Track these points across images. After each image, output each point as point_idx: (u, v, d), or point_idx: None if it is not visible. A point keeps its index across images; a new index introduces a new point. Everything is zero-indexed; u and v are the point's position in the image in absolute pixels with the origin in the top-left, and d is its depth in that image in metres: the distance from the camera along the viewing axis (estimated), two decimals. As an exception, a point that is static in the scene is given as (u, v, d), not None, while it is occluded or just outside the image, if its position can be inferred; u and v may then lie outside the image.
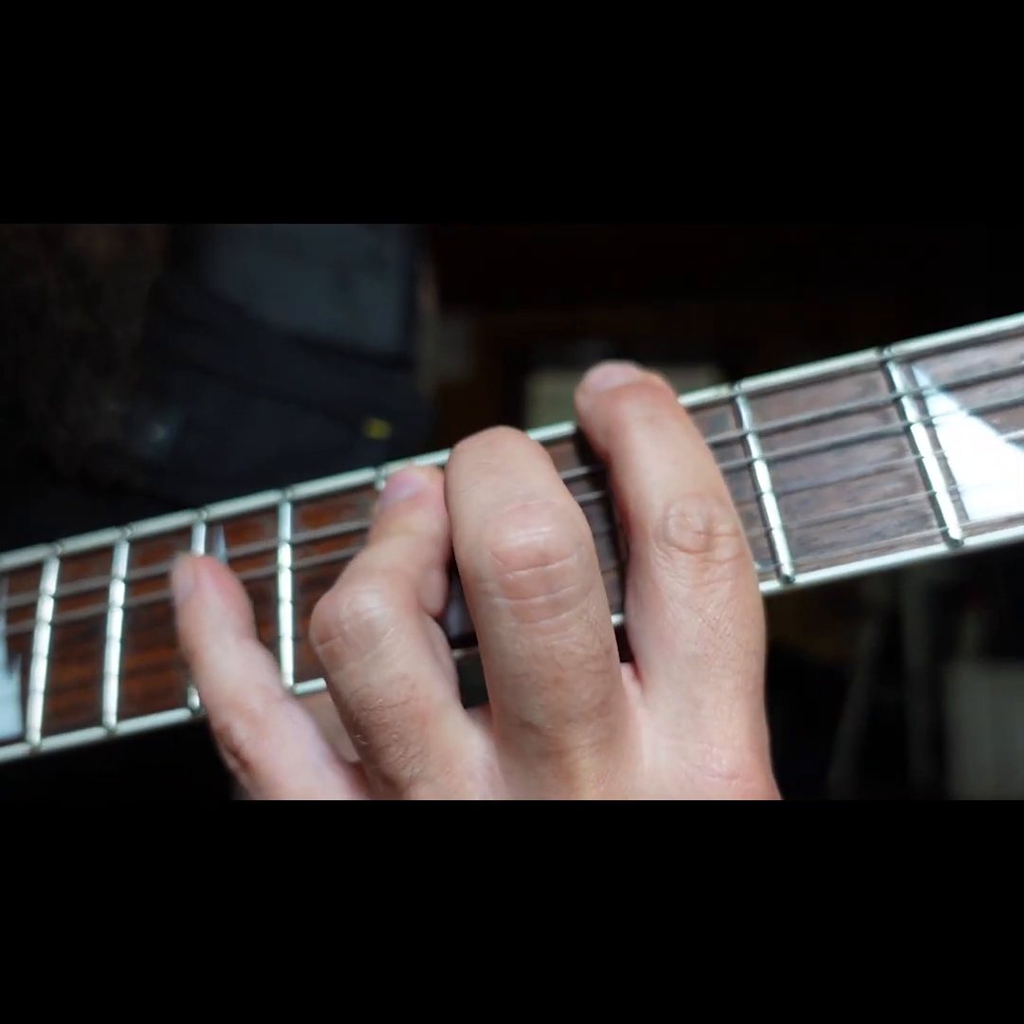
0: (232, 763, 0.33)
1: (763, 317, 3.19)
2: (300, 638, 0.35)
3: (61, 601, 0.39)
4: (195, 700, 0.35)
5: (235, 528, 0.38)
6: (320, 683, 0.34)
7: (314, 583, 0.36)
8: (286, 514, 0.37)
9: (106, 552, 0.39)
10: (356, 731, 0.29)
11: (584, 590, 0.27)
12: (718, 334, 3.28)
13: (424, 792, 0.29)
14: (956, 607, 2.70)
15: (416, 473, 0.34)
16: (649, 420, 0.31)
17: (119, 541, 0.39)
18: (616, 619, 0.31)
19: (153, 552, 0.39)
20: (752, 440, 0.33)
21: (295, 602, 0.36)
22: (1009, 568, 2.48)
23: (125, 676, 0.37)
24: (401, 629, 0.29)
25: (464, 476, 0.30)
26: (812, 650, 3.01)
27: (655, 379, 0.33)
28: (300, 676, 0.35)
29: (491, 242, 2.67)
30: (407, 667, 0.29)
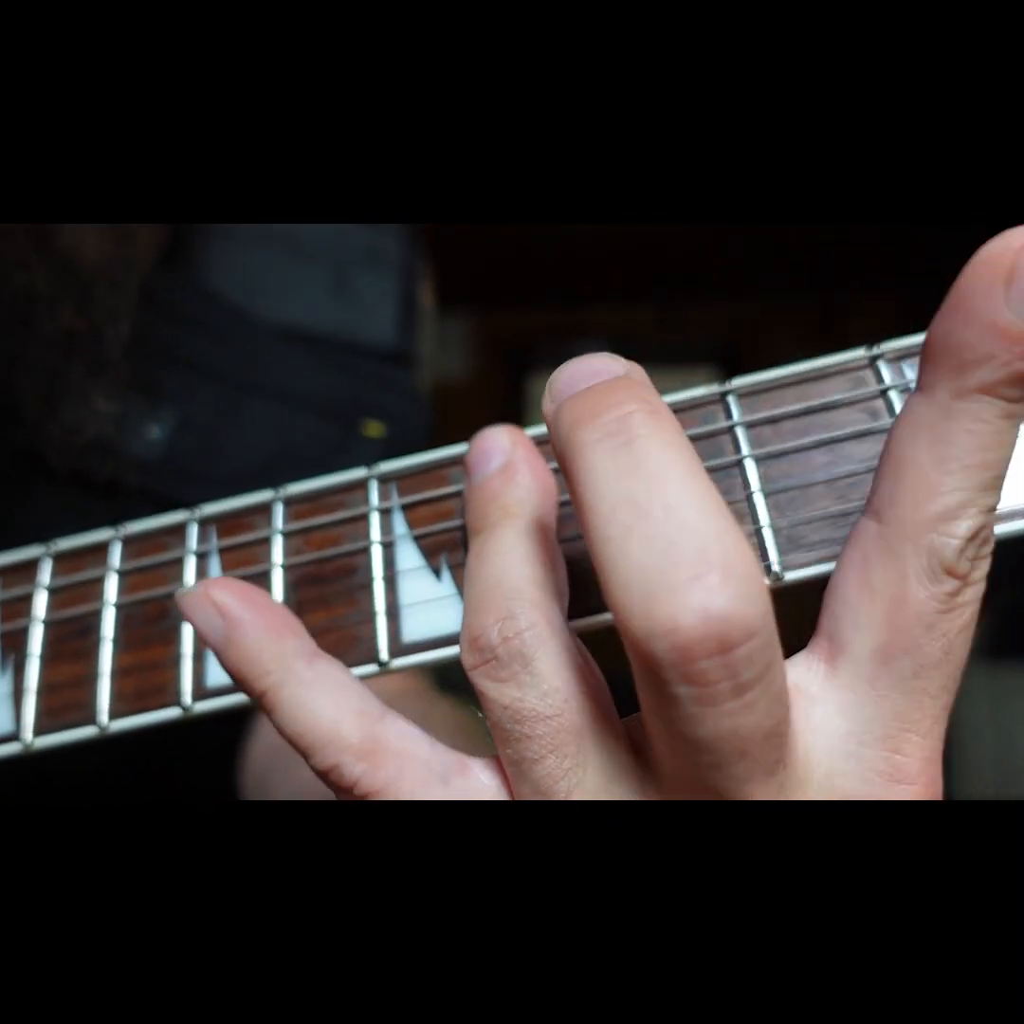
0: (350, 798, 0.30)
1: (763, 317, 3.19)
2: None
3: (55, 599, 0.39)
4: (187, 698, 0.35)
5: (228, 526, 0.38)
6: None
7: (306, 580, 0.36)
8: (278, 512, 0.37)
9: (100, 550, 0.39)
10: (508, 745, 0.28)
11: (768, 665, 0.24)
12: (718, 334, 3.28)
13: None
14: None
15: (499, 438, 0.32)
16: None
17: (112, 540, 0.39)
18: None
19: (146, 550, 0.39)
20: (741, 436, 0.33)
21: (287, 600, 0.36)
22: (1009, 569, 2.47)
23: (118, 674, 0.37)
24: (549, 647, 0.28)
25: (607, 517, 0.24)
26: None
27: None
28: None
29: (491, 242, 2.67)
30: (560, 681, 0.28)
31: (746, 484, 0.32)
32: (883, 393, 0.32)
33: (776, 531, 0.31)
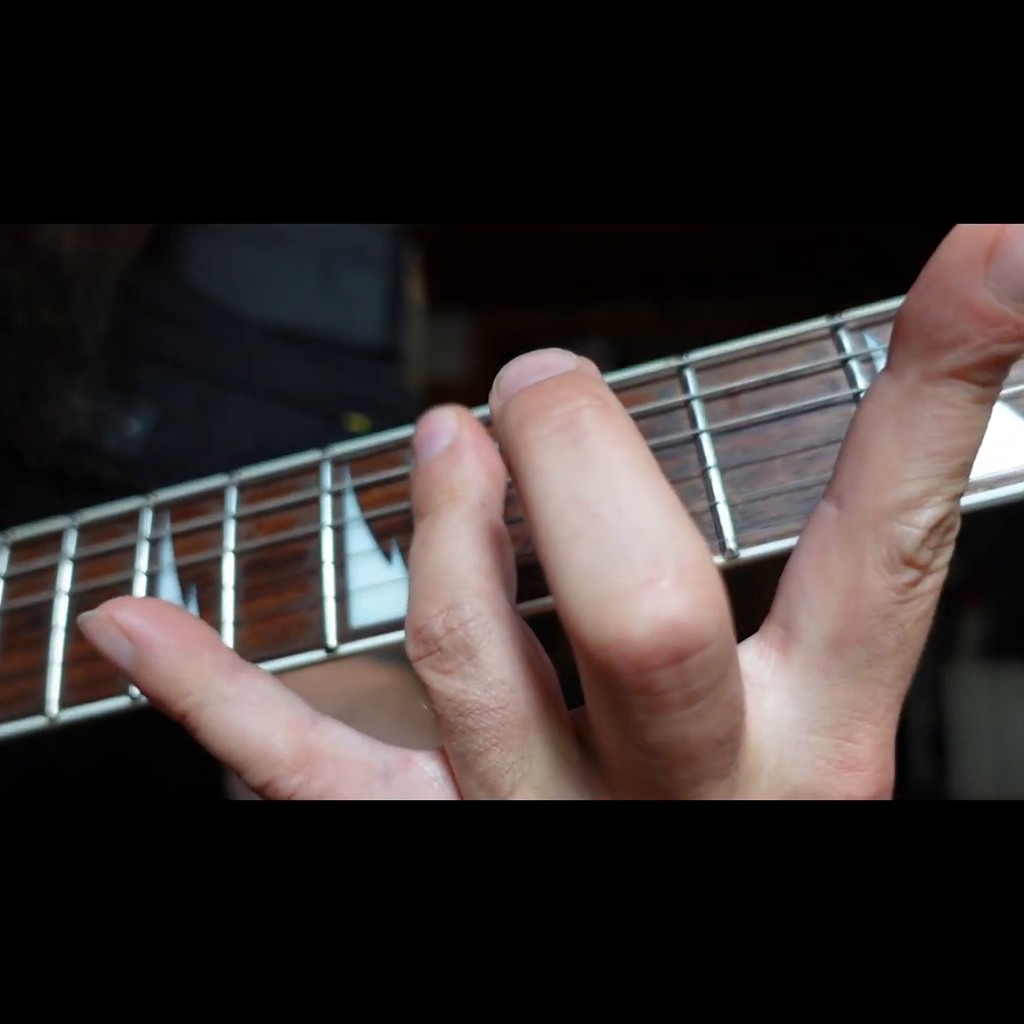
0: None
1: (763, 317, 3.18)
2: (241, 622, 0.34)
3: (9, 588, 0.39)
4: (134, 688, 0.35)
5: (181, 512, 0.38)
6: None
7: (258, 565, 0.35)
8: (232, 497, 0.37)
9: (55, 539, 0.39)
10: (453, 737, 0.27)
11: (722, 672, 0.23)
12: (718, 334, 3.27)
13: (528, 798, 0.27)
14: (956, 607, 2.69)
15: (446, 419, 0.31)
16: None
17: (68, 528, 0.39)
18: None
19: (101, 537, 0.38)
20: (698, 411, 0.32)
21: (238, 585, 0.35)
22: (1009, 568, 2.47)
23: (69, 664, 0.36)
24: (494, 637, 0.27)
25: (555, 518, 0.23)
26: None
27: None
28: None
29: (490, 242, 2.67)
30: (506, 672, 0.27)
31: (702, 460, 0.31)
32: (844, 363, 0.31)
33: (732, 507, 0.30)
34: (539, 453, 0.24)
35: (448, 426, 0.31)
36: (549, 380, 0.25)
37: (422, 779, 0.29)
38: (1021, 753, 2.22)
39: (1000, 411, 0.29)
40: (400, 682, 0.65)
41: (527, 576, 0.30)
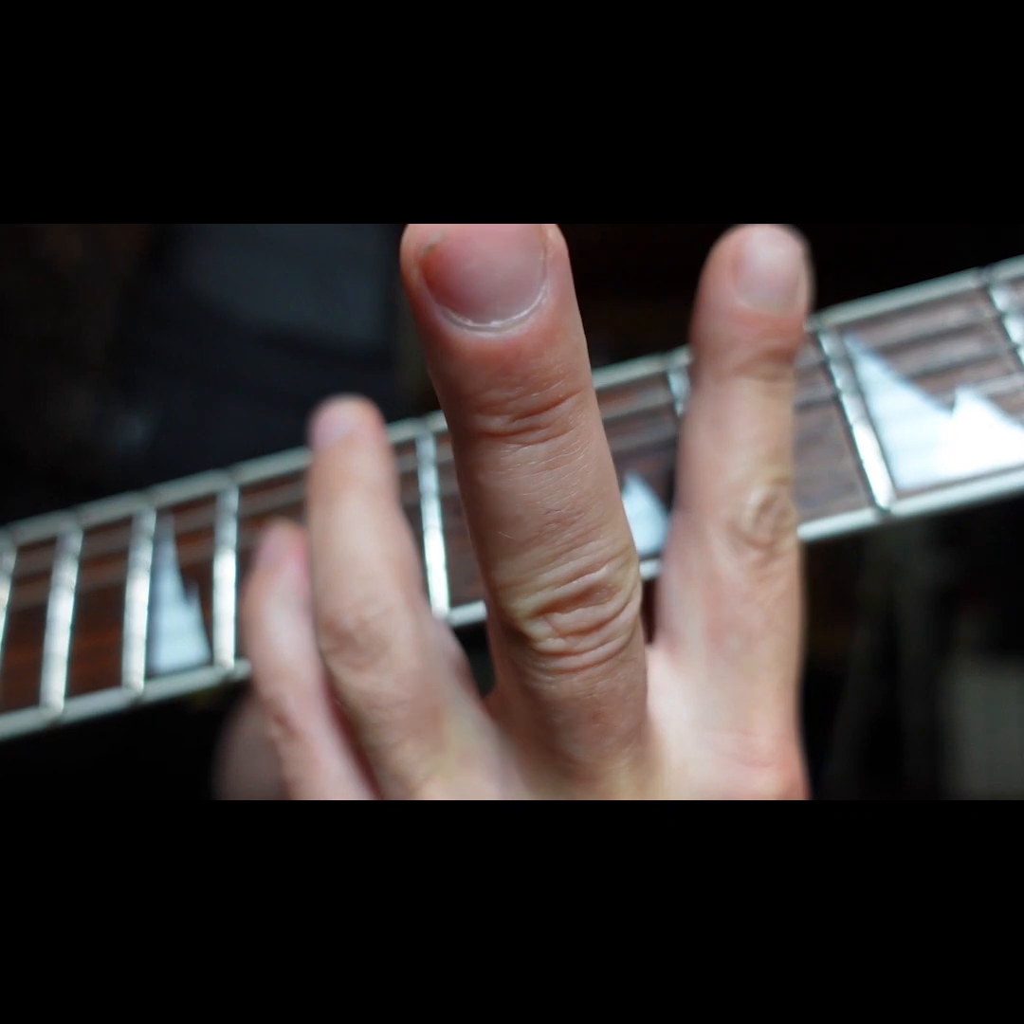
0: (276, 731, 0.31)
1: (762, 317, 3.18)
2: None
3: (15, 587, 0.39)
4: (137, 682, 0.35)
5: (183, 511, 0.38)
6: None
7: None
8: (232, 497, 0.37)
9: (60, 539, 0.40)
10: (365, 731, 0.28)
11: (630, 627, 0.24)
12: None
13: (438, 790, 0.28)
14: (953, 606, 2.69)
15: (345, 410, 0.33)
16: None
17: (72, 528, 0.39)
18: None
19: (103, 538, 0.39)
20: (681, 411, 0.32)
21: (239, 583, 0.36)
22: (1007, 568, 2.47)
23: (73, 660, 0.37)
24: (406, 629, 0.28)
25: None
26: (807, 648, 2.99)
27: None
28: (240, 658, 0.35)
29: (488, 243, 2.68)
30: (418, 662, 0.28)
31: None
32: (823, 365, 0.32)
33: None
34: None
35: (347, 418, 0.33)
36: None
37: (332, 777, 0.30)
38: (1017, 753, 2.22)
39: (978, 410, 0.30)
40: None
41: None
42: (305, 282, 0.78)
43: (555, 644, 0.24)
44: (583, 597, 0.23)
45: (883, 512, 0.30)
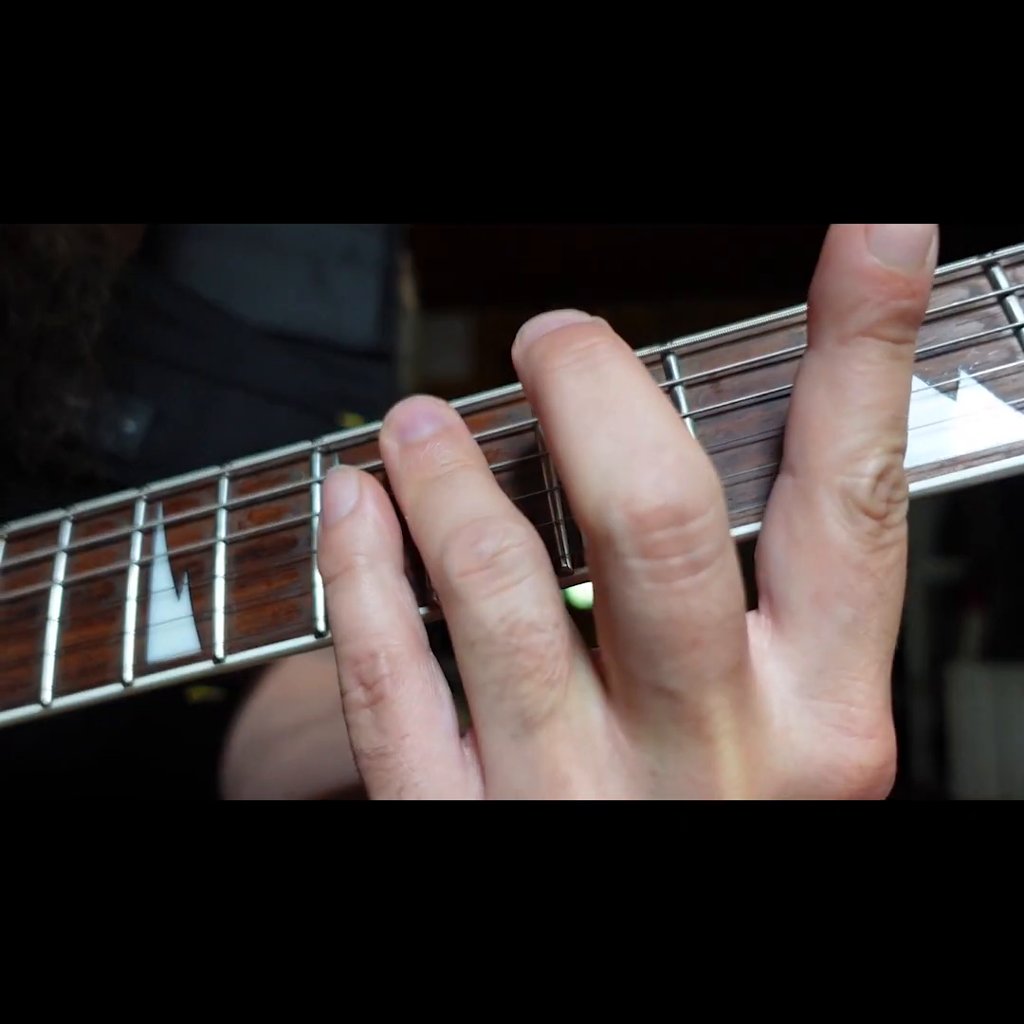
0: (359, 695, 0.30)
1: (763, 317, 3.18)
2: (232, 610, 0.35)
3: (4, 580, 0.39)
4: (128, 674, 0.35)
5: (174, 503, 0.38)
6: None
7: (249, 553, 0.36)
8: (224, 487, 0.37)
9: (50, 530, 0.39)
10: (494, 660, 0.28)
11: (721, 546, 0.25)
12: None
13: (560, 729, 0.27)
14: (957, 607, 2.69)
15: (435, 407, 0.33)
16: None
17: (63, 520, 0.39)
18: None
19: (95, 529, 0.39)
20: (681, 397, 0.32)
21: (229, 574, 0.35)
22: (1009, 568, 2.47)
23: (62, 653, 0.37)
24: (547, 570, 0.28)
25: (574, 418, 0.26)
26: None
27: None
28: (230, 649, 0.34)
29: (490, 242, 2.68)
30: (557, 592, 0.28)
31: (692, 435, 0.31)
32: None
33: None
34: (560, 377, 0.27)
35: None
36: (567, 326, 0.29)
37: (460, 759, 0.30)
38: (1022, 753, 2.22)
39: (978, 392, 0.30)
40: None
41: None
42: (302, 280, 0.78)
43: (643, 563, 0.24)
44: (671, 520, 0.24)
45: None
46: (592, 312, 0.30)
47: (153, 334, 0.69)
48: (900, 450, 0.27)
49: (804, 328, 0.32)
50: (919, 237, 0.26)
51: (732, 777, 0.26)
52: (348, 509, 0.32)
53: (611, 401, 0.26)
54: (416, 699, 0.30)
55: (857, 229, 0.26)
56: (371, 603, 0.30)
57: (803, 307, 0.32)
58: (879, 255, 0.26)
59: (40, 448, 0.62)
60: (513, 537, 0.28)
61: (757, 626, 0.28)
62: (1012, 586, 2.47)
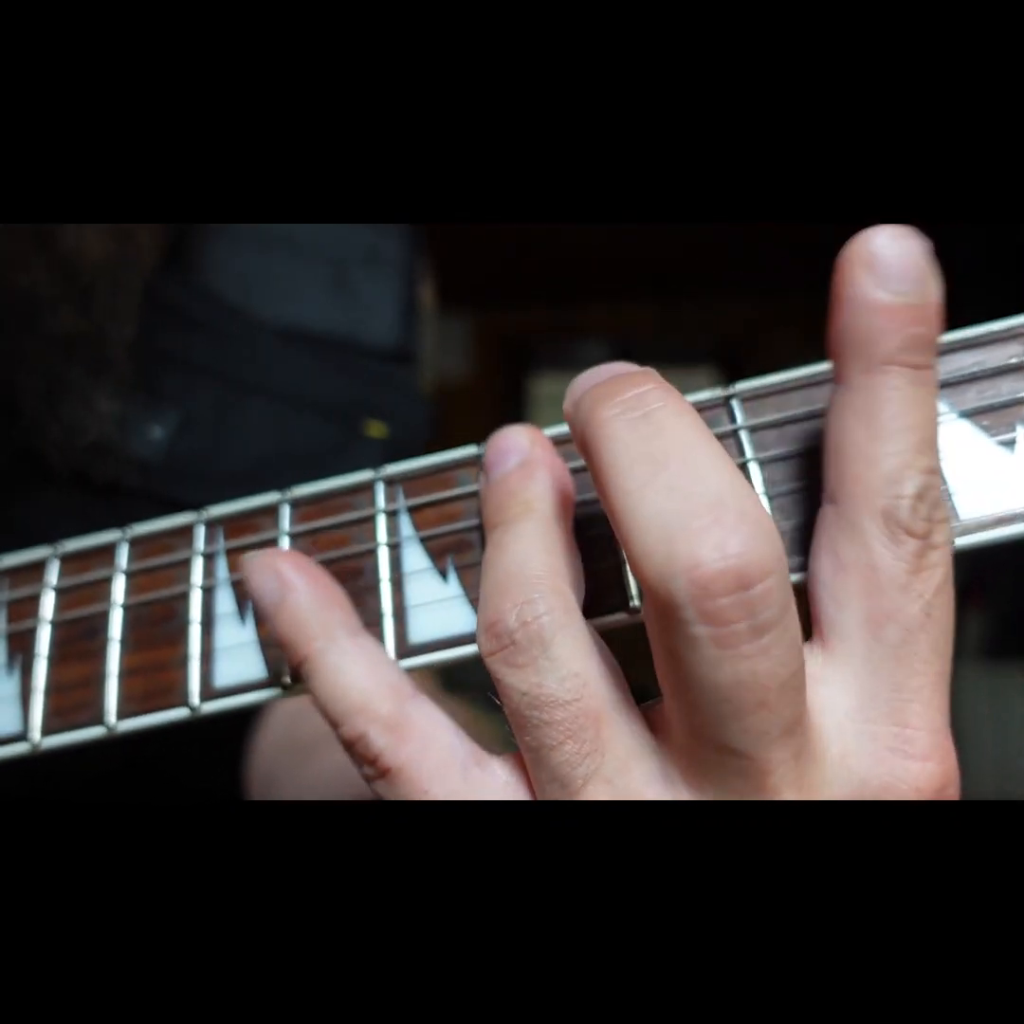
0: (367, 772, 0.31)
1: (763, 317, 3.19)
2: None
3: (62, 600, 0.39)
4: (195, 699, 0.36)
5: (234, 528, 0.38)
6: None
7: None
8: (285, 514, 0.38)
9: (106, 551, 0.40)
10: (526, 732, 0.28)
11: (785, 607, 0.25)
12: (718, 334, 3.28)
13: (601, 792, 0.28)
14: (957, 607, 2.69)
15: (517, 437, 0.33)
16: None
17: (119, 541, 0.39)
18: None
19: (152, 551, 0.39)
20: (746, 440, 0.33)
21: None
22: (1010, 569, 2.47)
23: (125, 675, 0.37)
24: (568, 632, 0.28)
25: (628, 471, 0.26)
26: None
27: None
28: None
29: (491, 242, 2.67)
30: (579, 666, 0.28)
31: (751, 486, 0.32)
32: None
33: (781, 535, 0.31)
34: (611, 427, 0.27)
35: (520, 443, 0.33)
36: (617, 376, 0.28)
37: (493, 780, 0.30)
38: (1022, 754, 2.22)
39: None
40: (425, 687, 0.65)
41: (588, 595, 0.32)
42: (324, 283, 0.78)
43: (708, 630, 0.24)
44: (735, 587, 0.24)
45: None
46: (592, 311, 0.31)
47: (179, 339, 0.69)
48: (934, 471, 0.28)
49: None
50: (917, 267, 0.28)
51: None
52: (274, 599, 0.33)
53: (665, 452, 0.26)
54: (422, 755, 0.30)
55: (860, 269, 0.28)
56: (353, 672, 0.31)
57: None
58: (885, 290, 0.27)
59: (70, 452, 0.62)
60: (532, 609, 0.28)
61: (810, 653, 0.29)
62: (1011, 586, 2.47)
